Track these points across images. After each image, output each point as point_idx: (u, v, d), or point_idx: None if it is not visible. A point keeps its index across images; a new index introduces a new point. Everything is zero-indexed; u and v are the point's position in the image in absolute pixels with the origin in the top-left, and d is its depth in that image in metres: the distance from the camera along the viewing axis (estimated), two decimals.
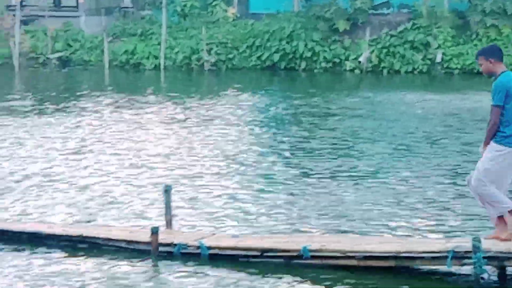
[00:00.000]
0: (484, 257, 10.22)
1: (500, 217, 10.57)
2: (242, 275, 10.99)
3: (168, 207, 12.49)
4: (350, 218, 13.50)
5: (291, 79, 33.83)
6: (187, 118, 23.47)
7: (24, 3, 38.72)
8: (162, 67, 36.00)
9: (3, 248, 12.15)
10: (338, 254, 11.03)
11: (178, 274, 11.09)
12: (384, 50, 35.06)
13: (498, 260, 10.38)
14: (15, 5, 37.50)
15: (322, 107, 25.71)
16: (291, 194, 15.04)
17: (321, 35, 35.57)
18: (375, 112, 24.83)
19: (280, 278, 10.83)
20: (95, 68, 36.32)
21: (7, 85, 31.82)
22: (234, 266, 11.23)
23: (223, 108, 25.41)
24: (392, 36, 35.32)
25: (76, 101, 26.88)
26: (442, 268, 10.67)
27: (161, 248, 11.70)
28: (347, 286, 10.56)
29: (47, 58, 36.82)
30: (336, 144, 19.77)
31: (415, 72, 34.49)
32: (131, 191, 15.37)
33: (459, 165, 17.19)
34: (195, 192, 15.21)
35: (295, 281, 10.73)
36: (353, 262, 10.95)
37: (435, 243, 11.22)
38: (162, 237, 11.77)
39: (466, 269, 10.55)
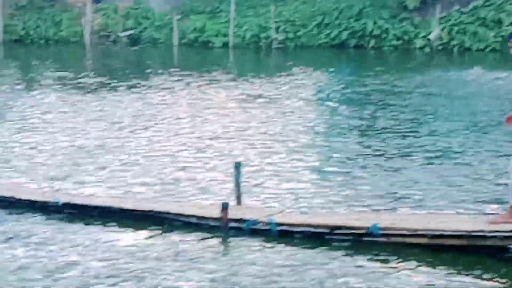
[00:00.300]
0: None
1: None
2: (311, 252, 11.01)
3: (238, 183, 12.57)
4: (419, 197, 13.41)
5: (360, 57, 33.62)
6: (255, 96, 23.52)
7: None
8: (230, 45, 36.09)
9: (75, 222, 12.38)
10: (408, 232, 10.97)
11: (247, 250, 11.15)
12: (455, 28, 34.59)
13: None
14: None
15: (392, 86, 25.51)
16: (361, 172, 14.99)
17: (390, 12, 35.23)
18: (445, 91, 24.54)
19: (349, 255, 10.82)
20: (164, 46, 36.58)
21: (79, 63, 32.27)
22: (303, 243, 11.26)
23: (291, 86, 25.38)
24: (463, 13, 34.82)
25: (146, 78, 27.13)
26: None
27: (230, 224, 11.78)
28: (417, 264, 10.50)
29: (118, 36, 37.22)
30: (406, 122, 19.62)
31: (487, 49, 33.96)
32: (201, 167, 15.49)
33: None
34: (264, 169, 15.26)
35: (364, 258, 10.71)
36: (424, 241, 10.88)
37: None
38: (232, 213, 11.85)
39: None
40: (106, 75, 27.59)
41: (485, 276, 10.10)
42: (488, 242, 10.71)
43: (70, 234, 11.92)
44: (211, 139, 17.94)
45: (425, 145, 17.01)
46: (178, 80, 26.49)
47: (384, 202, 13.18)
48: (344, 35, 35.00)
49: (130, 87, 25.06)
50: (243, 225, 11.73)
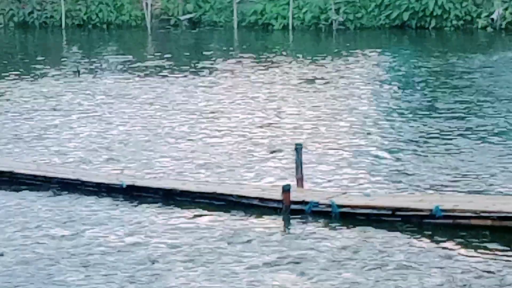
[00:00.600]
0: None
1: None
2: (373, 233, 11.03)
3: (299, 165, 12.62)
4: (482, 178, 13.32)
5: (421, 38, 33.30)
6: (315, 78, 23.50)
7: None
8: (290, 27, 36.05)
9: (139, 204, 12.57)
10: (471, 214, 10.93)
11: (309, 232, 11.22)
12: None
13: None
14: None
15: (453, 66, 25.26)
16: (422, 153, 14.93)
17: None
18: (508, 71, 24.22)
19: (412, 237, 10.83)
20: (224, 29, 36.68)
21: (140, 47, 32.56)
22: (365, 225, 11.29)
23: (351, 68, 25.29)
24: None
25: (206, 62, 27.28)
26: None
27: (292, 206, 11.86)
28: (479, 246, 10.46)
29: (178, 19, 37.42)
30: (468, 103, 19.43)
31: None
32: (262, 149, 15.57)
33: None
34: (325, 150, 15.28)
35: (426, 240, 10.70)
36: (487, 222, 10.82)
37: None
38: (294, 195, 11.93)
39: None
40: (167, 59, 27.79)
41: None
42: None
43: (134, 215, 12.12)
44: (271, 121, 17.99)
45: (488, 126, 16.85)
46: (238, 63, 26.57)
47: (447, 183, 13.12)
48: (405, 15, 34.68)
49: (190, 71, 25.22)
50: (305, 207, 11.80)
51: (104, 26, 36.30)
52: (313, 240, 10.90)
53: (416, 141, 15.81)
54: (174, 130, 17.35)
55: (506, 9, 34.25)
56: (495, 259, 10.09)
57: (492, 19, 34.04)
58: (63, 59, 28.06)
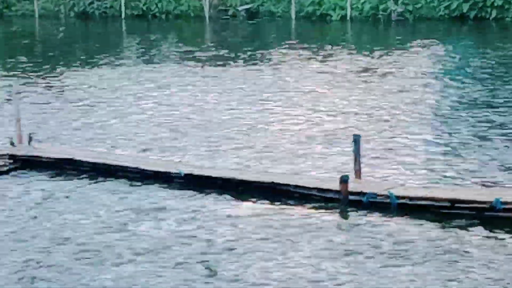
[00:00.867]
0: None
1: None
2: (431, 225, 10.97)
3: (357, 156, 12.59)
4: None
5: (480, 29, 32.91)
6: (372, 70, 23.39)
7: None
8: (348, 18, 35.91)
9: (197, 193, 12.65)
10: None
11: (367, 222, 11.20)
12: None
13: None
14: None
15: None
16: (482, 145, 14.78)
17: None
18: None
19: (471, 229, 10.73)
20: (282, 19, 36.68)
21: (199, 37, 32.73)
22: (423, 216, 11.22)
23: (409, 59, 25.10)
24: None
25: (263, 52, 27.31)
26: None
27: (350, 197, 11.84)
28: None
29: (236, 10, 37.53)
30: None
31: None
32: (319, 140, 15.56)
33: None
34: (383, 141, 15.22)
35: (485, 233, 10.60)
36: None
37: None
38: (352, 186, 11.90)
39: None
40: (225, 49, 27.91)
41: None
42: None
43: (192, 204, 12.21)
44: (328, 112, 17.97)
45: None
46: (296, 54, 26.57)
47: (507, 176, 12.97)
48: (465, 6, 34.32)
49: (248, 61, 25.29)
50: (363, 198, 11.77)
51: (163, 16, 36.55)
52: (371, 231, 10.87)
53: (475, 133, 15.65)
54: (232, 119, 17.42)
55: None
56: None
57: None
58: (122, 49, 28.34)
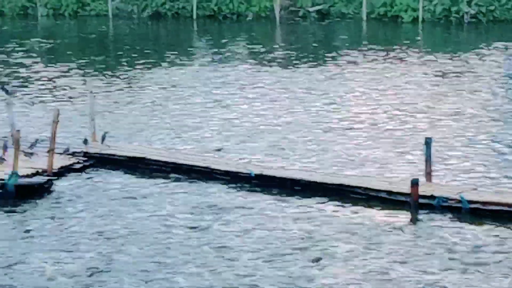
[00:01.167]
0: None
1: None
2: (503, 229, 10.85)
3: (428, 159, 12.52)
4: None
5: None
6: (444, 72, 23.16)
7: None
8: (420, 19, 35.60)
9: (267, 193, 12.71)
10: None
11: (437, 226, 11.13)
12: None
13: None
14: None
15: None
16: None
17: None
18: None
19: None
20: (353, 20, 36.56)
21: (269, 38, 32.80)
22: (496, 221, 11.10)
23: (482, 63, 24.78)
24: None
25: (334, 53, 27.26)
26: None
27: (420, 200, 11.78)
28: None
29: (307, 11, 37.52)
30: None
31: None
32: (389, 142, 15.50)
33: None
34: (455, 145, 15.08)
35: None
36: None
37: None
38: (422, 189, 11.84)
39: None
40: (295, 50, 27.92)
41: None
42: None
43: (261, 204, 12.28)
44: (399, 114, 17.86)
45: None
46: (366, 56, 26.45)
47: None
48: None
49: (318, 62, 25.26)
50: (433, 202, 11.70)
51: (234, 17, 36.73)
52: (441, 235, 10.81)
53: None
54: (302, 119, 17.44)
55: None
56: None
57: None
58: (193, 49, 28.58)
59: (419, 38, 32.42)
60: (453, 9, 35.78)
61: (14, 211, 12.15)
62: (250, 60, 25.89)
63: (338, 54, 27.14)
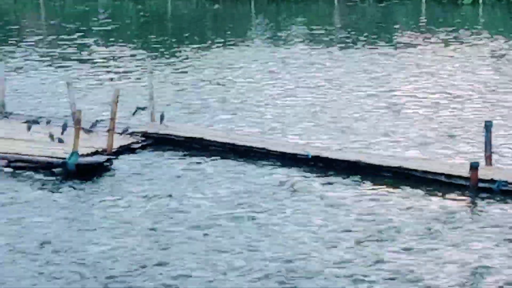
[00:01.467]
0: None
1: None
2: None
3: (488, 143, 12.38)
4: None
5: None
6: (505, 54, 22.83)
7: None
8: (480, 1, 35.11)
9: (323, 175, 12.70)
10: None
11: (497, 210, 11.03)
12: None
13: None
14: None
15: None
16: None
17: None
18: None
19: None
20: (411, 2, 36.19)
21: (327, 19, 32.65)
22: None
23: None
24: None
25: (392, 35, 27.04)
26: None
27: (480, 184, 11.67)
28: None
29: None
30: None
31: None
32: (449, 125, 15.36)
33: None
34: None
35: None
36: None
37: None
38: (482, 173, 11.73)
39: None
40: (353, 31, 27.77)
41: None
42: None
43: (318, 186, 12.28)
44: (458, 97, 17.68)
45: None
46: (425, 38, 26.20)
47: None
48: None
49: (375, 44, 25.09)
50: (493, 186, 11.59)
51: None
52: (500, 218, 10.70)
53: None
54: (359, 100, 17.35)
55: None
56: None
57: None
58: (251, 30, 28.57)
59: (479, 20, 31.99)
60: None
61: (74, 189, 12.33)
62: (308, 41, 25.81)
63: (396, 36, 26.92)
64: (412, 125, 15.50)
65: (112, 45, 24.21)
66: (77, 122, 13.18)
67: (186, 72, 20.77)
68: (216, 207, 11.52)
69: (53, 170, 12.95)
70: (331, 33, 27.50)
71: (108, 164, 13.19)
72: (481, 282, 9.13)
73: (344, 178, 12.55)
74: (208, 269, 9.59)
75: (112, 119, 13.75)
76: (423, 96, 17.87)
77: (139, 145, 14.27)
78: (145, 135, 14.55)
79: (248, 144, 13.97)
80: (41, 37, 25.51)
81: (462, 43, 25.24)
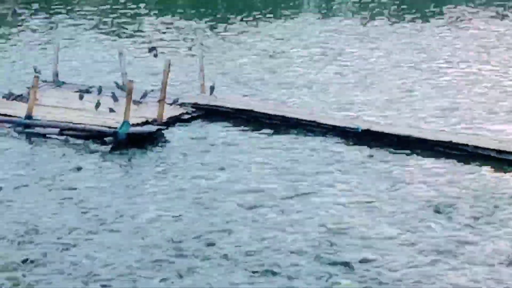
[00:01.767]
0: None
1: None
2: None
3: None
4: None
5: None
6: None
7: None
8: None
9: (372, 149, 12.67)
10: None
11: None
12: None
13: None
14: None
15: None
16: None
17: None
18: None
19: None
20: None
21: None
22: None
23: None
24: None
25: (441, 8, 26.70)
26: None
27: None
28: None
29: None
30: None
31: None
32: (500, 100, 15.21)
33: None
34: None
35: None
36: None
37: None
38: None
39: None
40: (403, 4, 27.49)
41: None
42: None
43: (367, 160, 12.25)
44: (509, 72, 17.46)
45: None
46: (477, 13, 25.85)
47: None
48: None
49: (426, 18, 24.79)
50: None
51: None
52: None
53: None
54: (410, 75, 17.22)
55: None
56: None
57: None
58: (301, 2, 28.44)
59: None
60: None
61: (125, 159, 12.47)
62: (358, 13, 25.62)
63: (447, 9, 26.59)
64: (463, 99, 15.35)
65: (163, 17, 24.29)
66: (129, 92, 13.28)
67: (237, 44, 20.76)
68: (266, 179, 11.56)
69: (104, 139, 13.09)
70: (382, 5, 27.25)
71: (158, 134, 13.29)
72: None
73: (393, 153, 12.50)
74: (257, 240, 9.66)
75: (163, 89, 13.83)
76: (473, 71, 17.67)
77: (189, 116, 14.34)
78: (195, 106, 14.61)
79: (298, 116, 13.96)
80: (94, 7, 25.68)
81: (505, 20, 24.85)
